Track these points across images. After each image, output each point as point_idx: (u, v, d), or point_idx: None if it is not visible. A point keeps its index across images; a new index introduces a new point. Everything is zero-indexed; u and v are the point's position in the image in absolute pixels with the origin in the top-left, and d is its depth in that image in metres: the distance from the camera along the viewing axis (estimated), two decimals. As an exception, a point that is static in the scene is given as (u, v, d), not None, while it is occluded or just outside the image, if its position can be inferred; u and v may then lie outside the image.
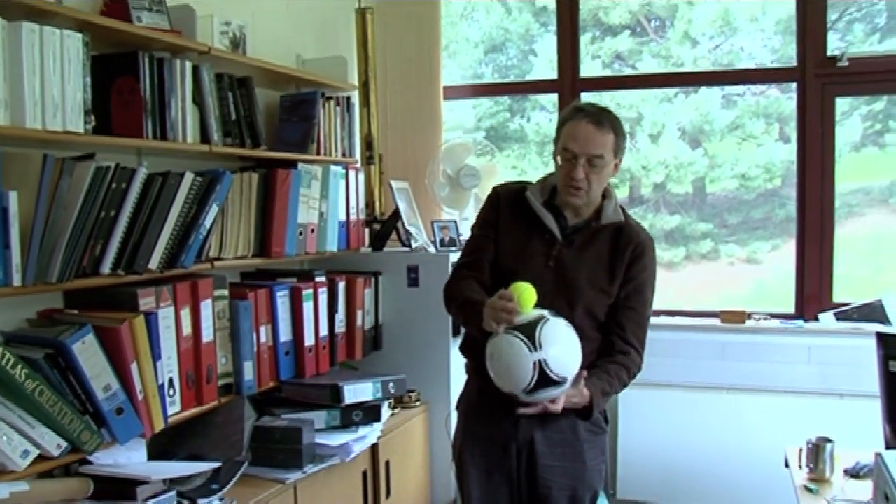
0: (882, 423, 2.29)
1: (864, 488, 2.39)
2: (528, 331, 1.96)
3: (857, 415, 3.24)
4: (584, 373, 2.05)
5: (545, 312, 2.02)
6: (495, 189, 2.37)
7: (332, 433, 2.73)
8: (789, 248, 3.92)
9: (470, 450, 2.34)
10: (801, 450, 2.53)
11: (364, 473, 2.90)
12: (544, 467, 2.29)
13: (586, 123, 2.14)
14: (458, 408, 2.48)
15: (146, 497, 2.05)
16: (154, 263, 2.25)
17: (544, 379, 1.96)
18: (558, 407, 2.06)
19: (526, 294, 2.01)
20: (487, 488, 2.33)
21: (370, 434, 2.82)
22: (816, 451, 2.47)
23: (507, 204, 2.30)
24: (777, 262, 4.05)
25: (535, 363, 1.95)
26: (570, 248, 2.23)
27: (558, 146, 2.20)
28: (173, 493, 2.13)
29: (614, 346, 2.23)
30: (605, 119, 2.15)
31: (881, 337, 2.26)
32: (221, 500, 2.23)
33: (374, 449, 2.94)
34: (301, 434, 2.53)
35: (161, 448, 2.42)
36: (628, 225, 2.26)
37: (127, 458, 2.24)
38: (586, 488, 2.34)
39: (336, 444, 2.65)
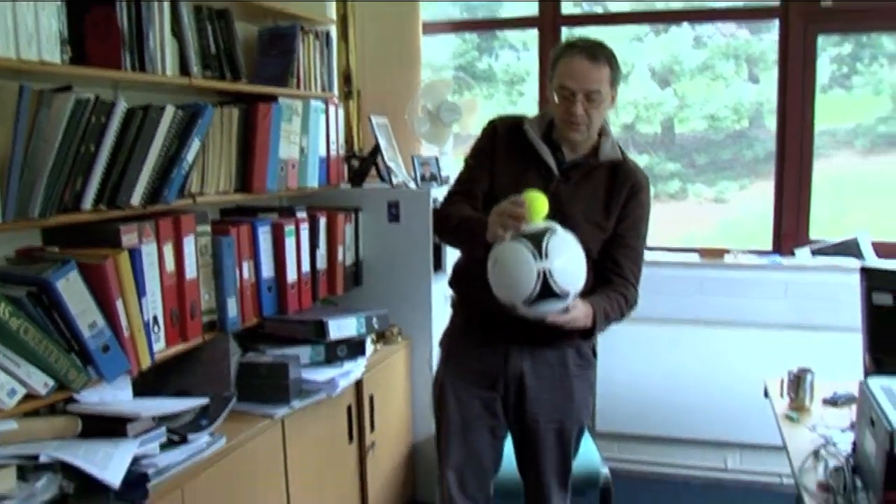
0: (862, 353, 2.34)
1: (842, 416, 2.47)
2: (536, 239, 1.92)
3: (831, 347, 3.33)
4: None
5: (554, 224, 1.98)
6: (492, 121, 2.35)
7: (318, 368, 2.74)
8: (756, 189, 3.98)
9: (453, 382, 2.36)
10: (782, 380, 2.59)
11: (349, 408, 2.92)
12: (533, 401, 2.32)
13: (581, 59, 2.12)
14: (441, 344, 2.50)
15: (136, 433, 2.04)
16: (136, 199, 2.20)
17: (547, 290, 1.91)
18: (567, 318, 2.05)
19: (538, 203, 1.97)
20: (466, 422, 2.35)
21: (355, 369, 2.83)
22: (797, 381, 2.53)
23: (503, 136, 2.29)
24: (744, 201, 4.09)
25: (539, 272, 1.90)
26: (567, 184, 2.23)
27: (554, 83, 2.17)
28: (163, 429, 2.12)
29: (612, 281, 2.25)
30: (599, 53, 2.13)
31: (865, 270, 2.30)
32: (211, 435, 2.23)
33: (358, 384, 2.95)
34: (287, 369, 2.53)
35: (146, 386, 2.40)
36: (626, 163, 2.28)
37: (113, 397, 2.21)
38: (574, 422, 2.38)
39: (322, 379, 2.66)
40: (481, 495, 2.41)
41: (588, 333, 2.22)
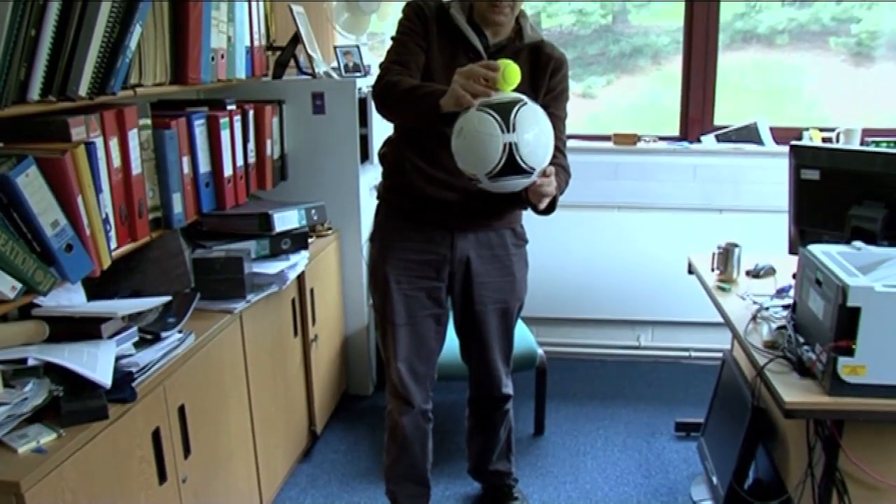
0: (788, 226, 2.54)
1: (765, 285, 2.70)
2: (504, 110, 1.84)
3: (734, 226, 3.60)
4: (552, 169, 2.00)
5: (523, 96, 1.91)
6: (415, 2, 2.29)
7: (264, 262, 2.70)
8: (622, 83, 4.14)
9: (396, 276, 2.37)
10: (713, 254, 2.78)
11: (293, 301, 2.91)
12: (480, 285, 2.40)
13: None
14: (372, 238, 2.49)
15: (111, 334, 1.98)
16: (83, 90, 2.06)
17: (512, 164, 1.85)
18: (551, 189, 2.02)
19: (510, 70, 1.89)
20: (412, 314, 2.40)
21: (300, 261, 2.81)
22: (726, 255, 2.73)
23: (433, 18, 2.25)
24: (611, 96, 4.23)
25: (505, 145, 1.83)
26: None
27: None
28: (134, 328, 2.06)
29: None
30: None
31: (794, 148, 2.47)
32: (180, 332, 2.19)
33: (300, 278, 2.94)
34: (242, 264, 2.49)
35: (94, 289, 2.31)
36: (545, 43, 2.32)
37: (68, 300, 2.13)
38: (515, 299, 2.49)
39: (273, 272, 2.64)
40: (429, 377, 2.51)
41: (550, 208, 2.19)
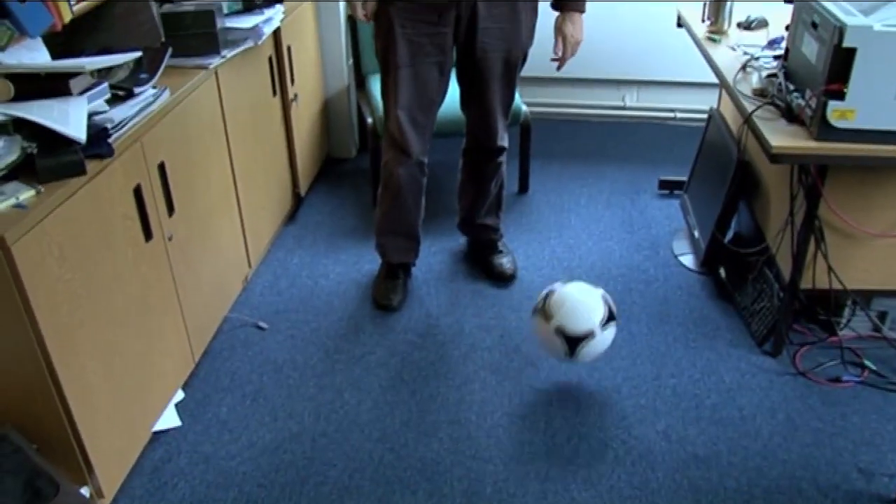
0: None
1: (757, 37, 2.61)
2: (574, 344, 2.18)
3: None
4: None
5: (595, 329, 2.18)
6: None
7: (238, 17, 2.58)
8: None
9: (401, 21, 2.30)
10: (705, 4, 2.67)
11: (270, 59, 2.81)
12: (484, 30, 2.34)
13: None
14: None
15: (81, 90, 1.90)
16: None
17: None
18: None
19: None
20: (416, 60, 2.34)
21: (275, 16, 2.68)
22: (717, 6, 2.62)
23: None
24: None
25: (563, 360, 2.26)
26: None
27: None
28: (105, 84, 1.98)
29: None
30: None
31: None
32: (155, 87, 2.11)
33: (276, 35, 2.82)
34: (214, 17, 2.36)
35: (58, 49, 2.19)
36: None
37: (30, 59, 2.03)
38: (519, 47, 2.44)
39: (247, 26, 2.52)
40: (428, 128, 2.48)
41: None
